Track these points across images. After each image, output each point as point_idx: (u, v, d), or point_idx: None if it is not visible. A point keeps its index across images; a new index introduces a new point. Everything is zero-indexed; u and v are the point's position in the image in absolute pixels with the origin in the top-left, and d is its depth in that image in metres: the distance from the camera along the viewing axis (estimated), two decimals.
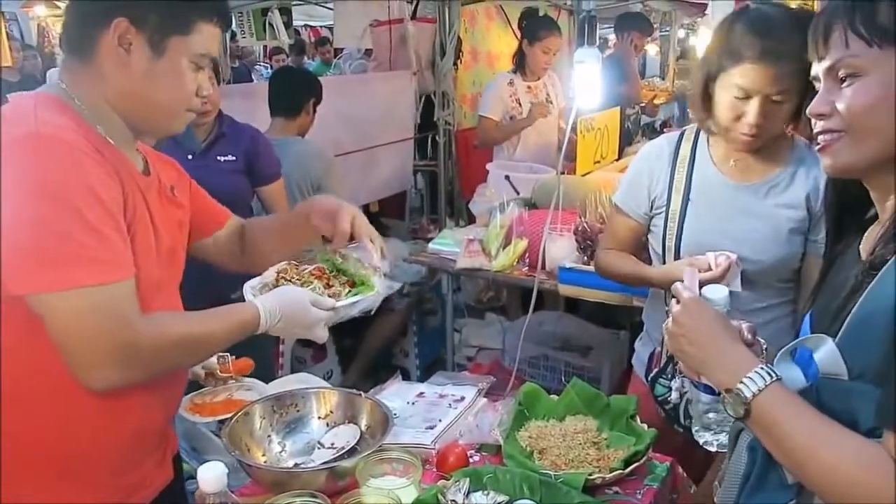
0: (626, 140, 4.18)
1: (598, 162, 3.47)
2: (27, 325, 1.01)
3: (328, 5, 5.85)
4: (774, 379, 0.86)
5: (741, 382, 0.87)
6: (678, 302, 1.01)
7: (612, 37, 7.14)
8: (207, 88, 1.17)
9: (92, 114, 1.10)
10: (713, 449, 1.08)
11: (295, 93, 2.87)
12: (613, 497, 1.32)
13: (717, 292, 1.03)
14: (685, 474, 1.50)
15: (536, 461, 1.37)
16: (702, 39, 2.70)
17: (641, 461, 1.36)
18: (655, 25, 6.57)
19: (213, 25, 1.14)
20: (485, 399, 1.65)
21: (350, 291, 1.36)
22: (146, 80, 1.10)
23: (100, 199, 0.99)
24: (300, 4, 5.92)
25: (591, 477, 1.29)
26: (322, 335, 1.29)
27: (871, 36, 0.82)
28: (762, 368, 0.87)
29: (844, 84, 0.86)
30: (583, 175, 3.18)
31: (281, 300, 1.24)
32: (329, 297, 1.31)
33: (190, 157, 2.31)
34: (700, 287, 1.07)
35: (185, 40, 1.11)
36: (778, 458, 0.86)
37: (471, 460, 1.42)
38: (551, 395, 1.59)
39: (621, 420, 1.49)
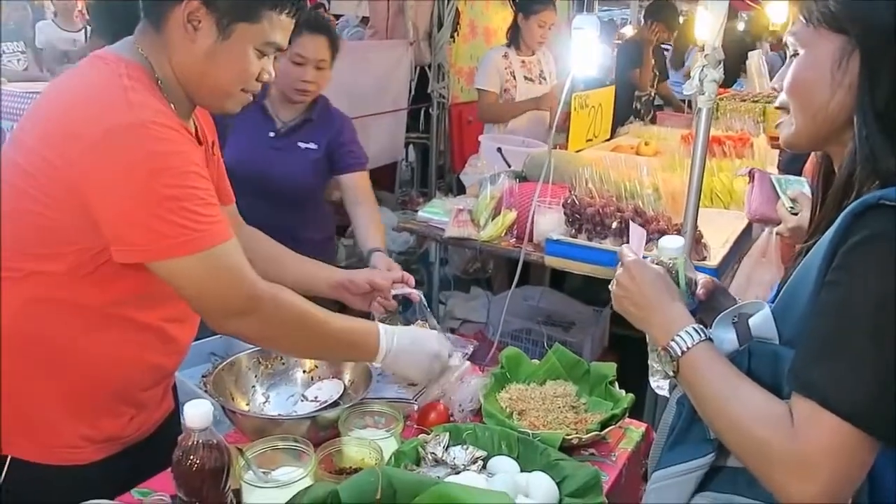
0: (620, 120, 4.19)
1: (590, 140, 3.48)
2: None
3: None
4: (703, 338, 0.90)
5: (672, 340, 0.91)
6: (622, 264, 1.05)
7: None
8: (270, 73, 1.19)
9: (164, 83, 1.14)
10: (663, 393, 1.12)
11: None
12: (588, 458, 1.35)
13: (672, 242, 1.06)
14: None
15: (515, 422, 1.40)
16: (700, 24, 2.72)
17: (617, 425, 1.40)
18: None
19: (283, 16, 1.15)
20: (468, 363, 1.67)
21: None
22: (207, 60, 1.12)
23: (200, 174, 1.10)
24: None
25: (568, 437, 1.32)
26: (454, 362, 1.45)
27: (808, 14, 0.87)
28: (692, 328, 0.91)
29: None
30: (575, 152, 3.20)
31: (401, 328, 1.39)
32: None
33: (272, 134, 2.21)
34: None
35: (251, 28, 1.12)
36: (699, 412, 0.90)
37: (451, 418, 1.45)
38: (533, 361, 1.62)
39: (600, 386, 1.52)
